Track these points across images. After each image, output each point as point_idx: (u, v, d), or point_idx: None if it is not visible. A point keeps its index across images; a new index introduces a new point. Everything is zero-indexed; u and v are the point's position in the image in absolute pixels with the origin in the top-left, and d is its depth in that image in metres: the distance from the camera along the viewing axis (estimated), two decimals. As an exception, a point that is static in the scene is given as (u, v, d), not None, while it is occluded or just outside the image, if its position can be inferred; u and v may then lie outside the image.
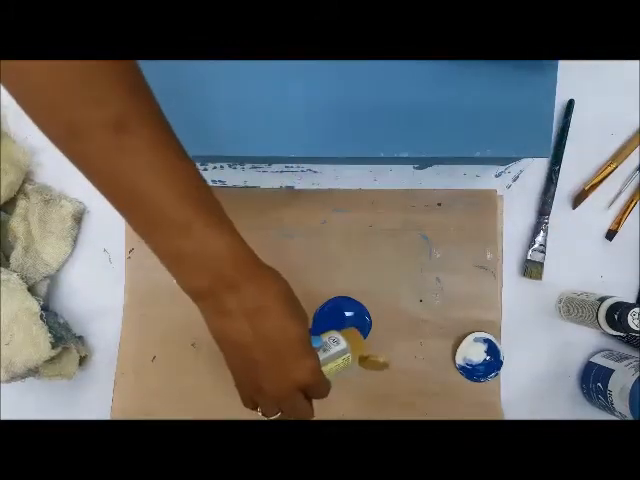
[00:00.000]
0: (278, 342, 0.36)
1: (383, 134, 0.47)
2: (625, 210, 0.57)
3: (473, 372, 0.56)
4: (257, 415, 0.40)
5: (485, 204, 0.57)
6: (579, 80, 0.56)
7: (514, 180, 0.58)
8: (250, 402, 0.40)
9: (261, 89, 0.46)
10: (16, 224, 0.55)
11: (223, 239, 0.34)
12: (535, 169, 0.58)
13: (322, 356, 0.42)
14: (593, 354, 0.58)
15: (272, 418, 0.39)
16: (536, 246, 0.57)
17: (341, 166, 0.58)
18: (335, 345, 0.44)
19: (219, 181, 0.58)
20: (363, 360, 0.47)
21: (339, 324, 0.57)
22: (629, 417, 0.50)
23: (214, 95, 0.46)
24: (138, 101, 0.32)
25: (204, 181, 0.35)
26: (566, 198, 0.58)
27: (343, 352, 0.44)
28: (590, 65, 0.57)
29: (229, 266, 0.34)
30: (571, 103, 0.57)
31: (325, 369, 0.41)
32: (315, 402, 0.41)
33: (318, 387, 0.39)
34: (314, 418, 0.41)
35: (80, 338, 0.57)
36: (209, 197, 0.35)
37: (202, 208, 0.34)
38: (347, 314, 0.57)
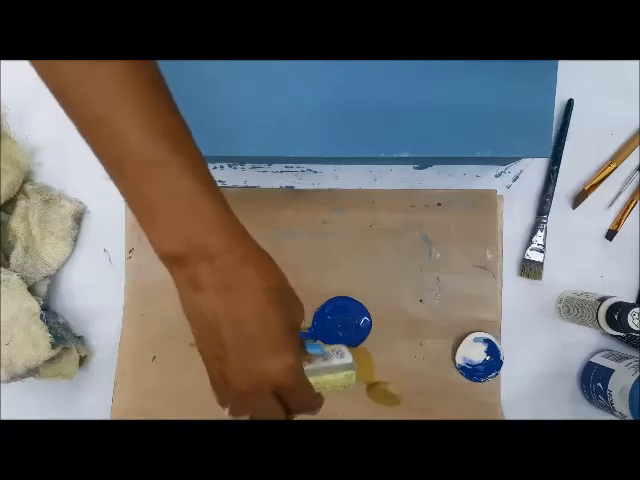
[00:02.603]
0: (251, 327, 0.31)
1: (383, 134, 0.47)
2: (625, 210, 0.57)
3: (473, 372, 0.56)
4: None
5: (485, 204, 0.57)
6: (579, 80, 0.56)
7: (514, 180, 0.58)
8: (224, 400, 0.35)
9: (261, 89, 0.46)
10: (16, 224, 0.55)
11: (202, 194, 0.31)
12: (535, 169, 0.58)
13: (320, 365, 0.39)
14: (593, 354, 0.58)
15: (240, 419, 0.35)
16: (534, 246, 0.57)
17: (341, 166, 0.58)
18: (338, 358, 0.40)
19: (219, 181, 0.58)
20: (372, 387, 0.43)
21: (338, 324, 0.57)
22: (629, 417, 0.50)
23: (214, 95, 0.46)
24: None
25: (186, 126, 0.32)
26: (566, 198, 0.58)
27: (346, 367, 0.40)
28: (590, 65, 0.57)
29: (206, 228, 0.31)
30: (570, 103, 0.57)
31: (320, 380, 0.38)
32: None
33: (294, 393, 0.33)
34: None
35: (80, 338, 0.57)
36: (189, 142, 0.32)
37: (179, 149, 0.30)
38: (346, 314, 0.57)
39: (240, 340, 0.32)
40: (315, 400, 0.36)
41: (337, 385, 0.40)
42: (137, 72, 0.31)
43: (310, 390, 0.35)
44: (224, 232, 0.31)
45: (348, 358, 0.40)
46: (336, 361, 0.40)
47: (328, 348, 0.41)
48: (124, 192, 0.31)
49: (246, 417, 0.34)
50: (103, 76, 0.30)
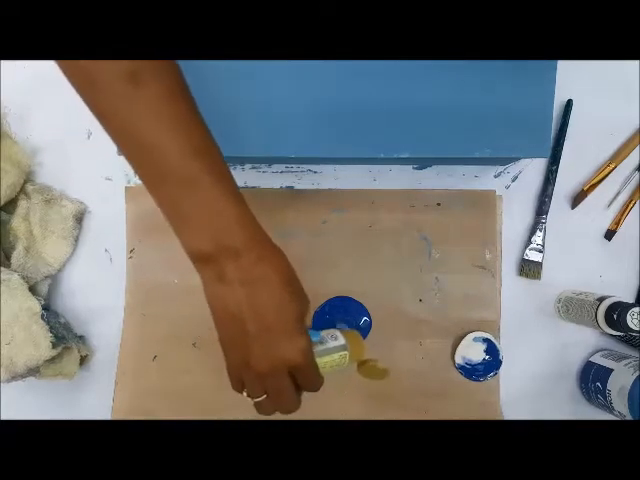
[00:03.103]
0: (271, 316, 0.35)
1: (383, 134, 0.47)
2: (624, 210, 0.57)
3: (472, 371, 0.57)
4: (246, 400, 0.38)
5: (484, 204, 0.58)
6: (578, 80, 0.56)
7: (513, 180, 0.58)
8: (238, 383, 0.39)
9: (261, 89, 0.46)
10: (17, 224, 0.55)
11: (229, 203, 0.34)
12: (534, 169, 0.58)
13: (318, 348, 0.43)
14: (592, 354, 0.58)
15: (257, 400, 0.38)
16: (533, 246, 0.57)
17: (341, 166, 0.58)
18: (333, 340, 0.44)
19: (219, 181, 0.58)
20: (362, 365, 0.46)
21: (338, 324, 0.57)
22: (628, 417, 0.50)
23: (214, 95, 0.46)
24: None
25: (215, 144, 0.35)
26: (565, 198, 0.58)
27: (341, 348, 0.44)
28: (590, 65, 0.57)
29: (232, 232, 0.34)
30: (569, 103, 0.57)
31: (320, 361, 0.41)
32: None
33: (307, 372, 0.38)
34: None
35: (81, 338, 0.57)
36: (218, 159, 0.35)
37: (210, 167, 0.34)
38: (346, 314, 0.57)
39: (262, 328, 0.35)
40: (319, 379, 0.40)
41: (333, 365, 0.43)
42: (177, 97, 0.34)
43: (317, 369, 0.39)
44: (246, 233, 0.35)
45: (341, 340, 0.45)
46: (331, 343, 0.44)
47: (323, 333, 0.45)
48: (160, 203, 0.35)
49: (263, 397, 0.38)
50: (145, 102, 0.32)
